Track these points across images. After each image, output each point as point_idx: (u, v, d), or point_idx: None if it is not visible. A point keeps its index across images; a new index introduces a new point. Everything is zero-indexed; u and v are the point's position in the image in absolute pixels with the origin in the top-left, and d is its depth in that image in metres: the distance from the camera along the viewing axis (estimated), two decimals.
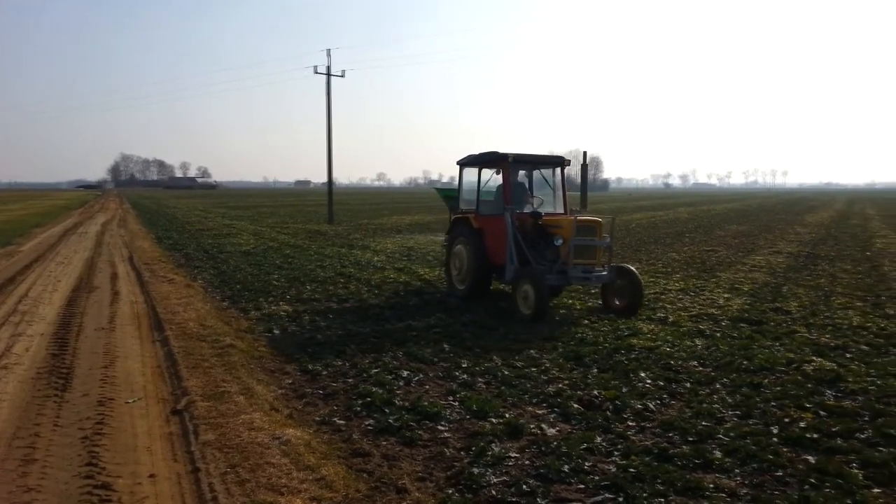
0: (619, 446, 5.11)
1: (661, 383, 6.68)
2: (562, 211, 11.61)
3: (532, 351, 7.92)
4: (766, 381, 6.71)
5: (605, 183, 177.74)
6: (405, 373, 7.02)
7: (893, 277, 14.11)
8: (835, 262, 16.73)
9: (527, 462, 4.84)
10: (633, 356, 7.64)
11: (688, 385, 6.61)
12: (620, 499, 4.27)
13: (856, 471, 4.64)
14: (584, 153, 10.04)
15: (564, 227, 10.26)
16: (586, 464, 4.78)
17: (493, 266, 11.17)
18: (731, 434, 5.31)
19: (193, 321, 9.39)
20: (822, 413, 5.80)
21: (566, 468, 4.69)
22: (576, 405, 6.02)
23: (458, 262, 11.77)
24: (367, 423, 5.66)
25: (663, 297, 11.67)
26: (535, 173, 12.28)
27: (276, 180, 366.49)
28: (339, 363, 7.45)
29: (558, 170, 11.88)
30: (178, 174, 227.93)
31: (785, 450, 5.02)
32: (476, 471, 4.65)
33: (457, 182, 12.67)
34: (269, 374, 7.12)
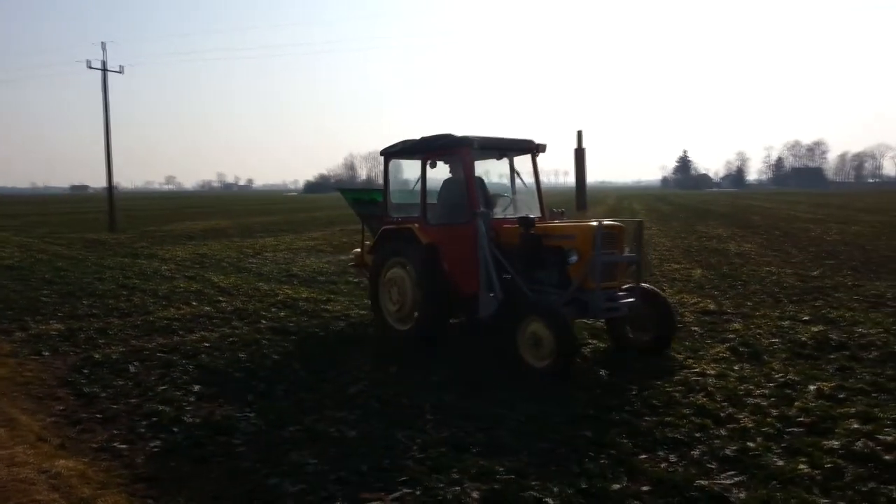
0: (418, 440, 5.21)
1: (456, 375, 6.92)
2: (538, 213, 8.67)
3: (333, 354, 7.85)
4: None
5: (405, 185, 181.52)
6: (196, 387, 6.63)
7: (656, 264, 15.84)
8: None
9: (326, 467, 4.77)
10: (431, 351, 7.84)
11: (481, 375, 6.92)
12: (418, 492, 4.35)
13: (626, 440, 5.13)
14: (579, 133, 7.40)
15: (579, 237, 7.21)
16: (386, 461, 4.81)
17: (457, 296, 7.96)
18: (521, 418, 5.65)
19: None
20: (598, 390, 6.34)
21: (365, 468, 4.69)
22: (375, 404, 6.06)
23: (396, 293, 8.37)
24: (152, 444, 5.25)
25: None
26: (481, 166, 8.87)
27: (48, 186, 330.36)
28: (121, 383, 6.85)
29: (527, 159, 8.87)
30: None
31: (566, 428, 5.42)
32: (273, 482, 4.51)
33: (356, 184, 10.72)
34: (37, 402, 6.36)
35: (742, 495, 4.22)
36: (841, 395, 6.08)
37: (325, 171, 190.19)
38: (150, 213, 50.22)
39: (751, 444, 5.02)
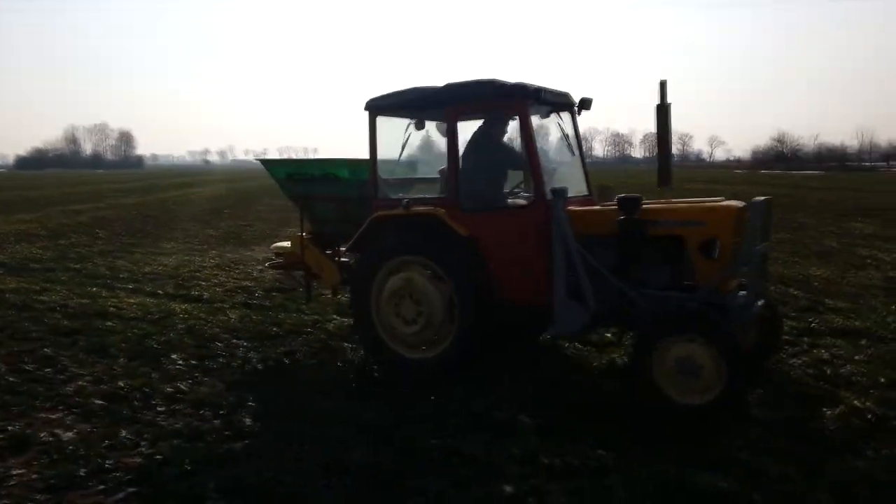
0: (147, 435, 4.85)
1: (195, 362, 6.55)
2: (585, 190, 6.66)
3: (46, 349, 6.97)
4: (295, 343, 7.16)
5: (140, 160, 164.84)
6: None
7: None
8: None
9: (35, 476, 4.24)
10: (164, 339, 7.32)
11: (221, 360, 6.64)
12: (145, 490, 4.05)
13: (371, 411, 5.24)
14: (663, 83, 4.98)
15: (717, 222, 5.39)
16: (108, 462, 4.40)
17: (508, 308, 5.96)
18: (260, 400, 5.52)
19: None
20: (340, 364, 6.43)
21: (83, 472, 4.25)
22: (98, 401, 5.51)
23: (411, 308, 5.98)
24: None
25: (198, 274, 11.48)
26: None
27: None
28: None
29: (566, 116, 6.67)
30: None
31: (308, 403, 5.41)
32: None
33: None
34: None
35: (480, 449, 4.51)
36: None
37: (40, 145, 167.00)
38: None
39: (501, 403, 5.34)
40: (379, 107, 6.45)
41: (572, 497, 3.88)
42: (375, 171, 6.45)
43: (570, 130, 6.61)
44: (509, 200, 6.34)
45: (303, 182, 7.34)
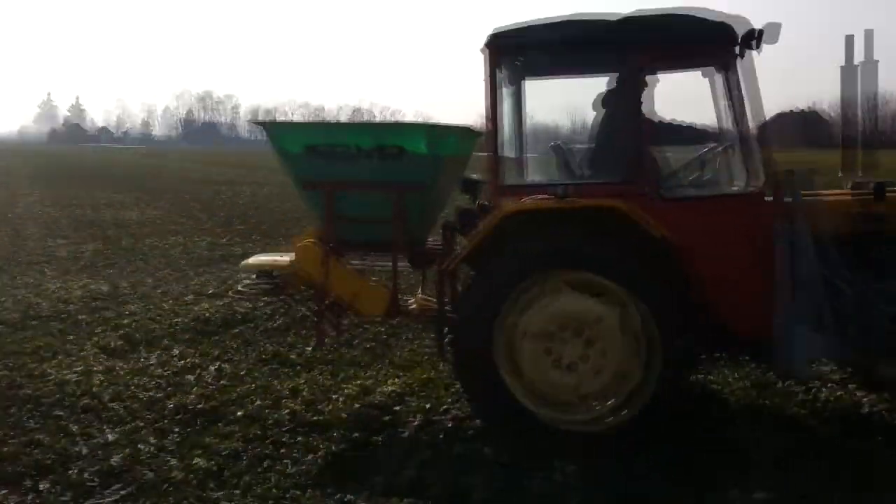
0: None
1: None
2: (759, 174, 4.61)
3: None
4: None
5: None
6: None
7: (36, 240, 13.53)
8: None
9: None
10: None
11: None
12: None
13: None
14: (849, 38, 4.08)
15: None
16: None
17: (718, 333, 4.23)
18: None
19: None
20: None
21: None
22: None
23: (577, 350, 4.02)
24: None
25: None
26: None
27: None
28: None
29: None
30: None
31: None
32: None
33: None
34: None
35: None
36: (242, 373, 5.85)
37: None
38: None
39: (142, 447, 4.37)
40: (508, 46, 4.46)
41: None
42: (497, 144, 4.47)
43: (719, 88, 4.89)
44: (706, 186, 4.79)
45: (336, 159, 4.74)
